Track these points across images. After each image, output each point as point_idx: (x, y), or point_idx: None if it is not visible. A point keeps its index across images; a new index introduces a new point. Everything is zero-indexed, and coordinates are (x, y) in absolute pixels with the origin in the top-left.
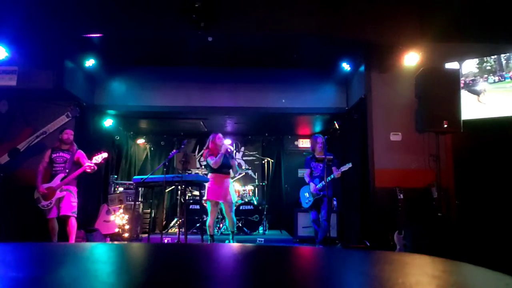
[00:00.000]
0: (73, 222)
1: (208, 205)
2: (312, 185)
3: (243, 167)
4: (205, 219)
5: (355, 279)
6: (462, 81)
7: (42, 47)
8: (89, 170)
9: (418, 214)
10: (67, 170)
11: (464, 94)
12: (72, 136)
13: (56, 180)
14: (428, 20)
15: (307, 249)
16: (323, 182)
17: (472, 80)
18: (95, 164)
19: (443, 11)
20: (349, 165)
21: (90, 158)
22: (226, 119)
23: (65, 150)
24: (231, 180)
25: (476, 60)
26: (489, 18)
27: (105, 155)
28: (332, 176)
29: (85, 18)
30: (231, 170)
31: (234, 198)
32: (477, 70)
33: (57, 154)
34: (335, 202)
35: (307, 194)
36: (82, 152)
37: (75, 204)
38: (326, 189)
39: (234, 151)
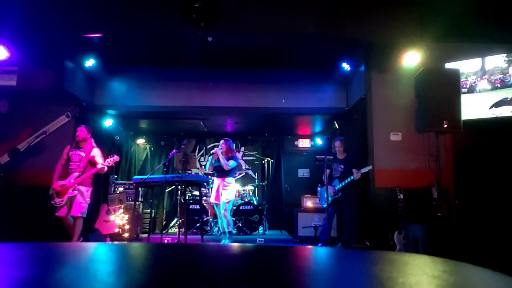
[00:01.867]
0: (78, 223)
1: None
2: (330, 188)
3: (243, 167)
4: (205, 219)
5: (355, 279)
6: (485, 79)
7: (42, 47)
8: (99, 172)
9: (418, 214)
10: (81, 169)
11: (484, 100)
12: (82, 133)
13: (70, 179)
14: (428, 20)
15: (307, 249)
16: (342, 183)
17: (500, 80)
18: (106, 166)
19: (443, 11)
20: (369, 167)
21: None
22: (226, 119)
23: (81, 148)
24: (229, 181)
25: (505, 53)
26: (490, 18)
27: (116, 158)
28: (350, 178)
29: (85, 18)
30: (230, 171)
31: (226, 198)
32: (505, 65)
33: (73, 152)
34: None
35: (325, 194)
36: (99, 150)
37: (84, 205)
38: (326, 189)
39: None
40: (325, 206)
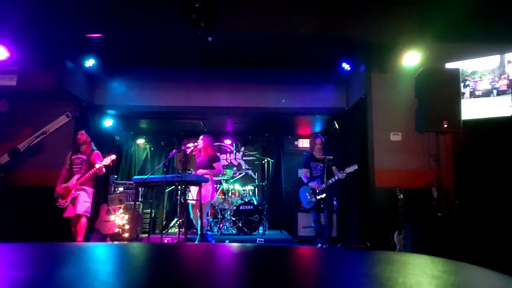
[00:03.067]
0: (82, 222)
1: None
2: (314, 184)
3: (243, 167)
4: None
5: (355, 279)
6: (504, 79)
7: (42, 47)
8: (98, 173)
9: (418, 214)
10: (82, 171)
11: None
12: (82, 136)
13: (72, 180)
14: (428, 20)
15: (307, 249)
16: (328, 182)
17: None
18: (104, 165)
19: (443, 11)
20: (355, 166)
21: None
22: (226, 119)
23: (82, 152)
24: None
25: None
26: (490, 18)
27: (113, 157)
28: (336, 177)
29: (85, 18)
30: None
31: (205, 198)
32: None
33: (75, 156)
34: (335, 202)
35: (308, 195)
36: (99, 153)
37: (88, 204)
38: (326, 190)
39: (234, 151)
40: (308, 207)
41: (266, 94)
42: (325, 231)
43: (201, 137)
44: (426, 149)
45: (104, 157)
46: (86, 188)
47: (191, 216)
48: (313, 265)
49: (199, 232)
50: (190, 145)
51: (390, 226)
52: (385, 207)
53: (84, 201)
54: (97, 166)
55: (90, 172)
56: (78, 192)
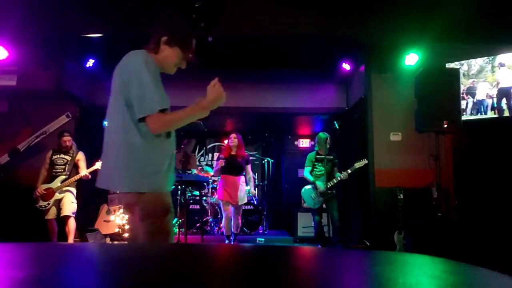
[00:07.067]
0: (71, 222)
1: (220, 204)
2: (320, 184)
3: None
4: (205, 219)
5: (355, 279)
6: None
7: (42, 47)
8: (83, 178)
9: (418, 214)
10: (67, 173)
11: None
12: (70, 142)
13: (56, 182)
14: (428, 20)
15: (307, 249)
16: (331, 182)
17: None
18: (90, 172)
19: (443, 11)
20: (365, 161)
21: (91, 160)
22: (226, 119)
23: (65, 152)
24: (243, 180)
25: None
26: (490, 18)
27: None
28: (339, 178)
29: (85, 18)
30: (243, 171)
31: (242, 200)
32: None
33: (57, 156)
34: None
35: (313, 195)
36: (83, 154)
37: (75, 205)
38: (327, 191)
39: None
40: (314, 208)
41: (266, 94)
42: (334, 234)
43: (233, 135)
44: (426, 149)
45: (94, 159)
46: (71, 189)
47: (223, 215)
48: (313, 265)
49: (234, 232)
50: (226, 141)
51: (390, 226)
52: (385, 207)
53: (71, 202)
54: (82, 173)
55: (76, 176)
56: (62, 194)
